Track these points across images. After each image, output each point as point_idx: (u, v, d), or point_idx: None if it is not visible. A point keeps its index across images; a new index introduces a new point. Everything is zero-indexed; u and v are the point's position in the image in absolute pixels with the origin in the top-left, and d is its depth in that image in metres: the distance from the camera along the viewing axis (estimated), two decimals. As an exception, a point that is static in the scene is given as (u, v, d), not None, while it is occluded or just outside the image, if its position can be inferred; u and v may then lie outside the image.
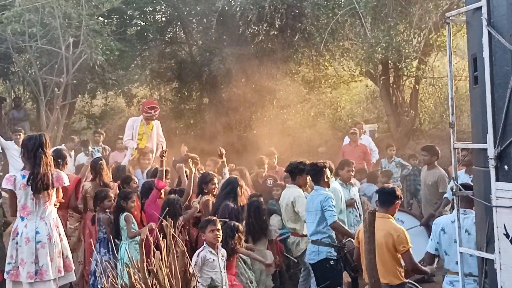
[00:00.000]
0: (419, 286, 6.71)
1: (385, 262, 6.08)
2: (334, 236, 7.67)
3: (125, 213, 7.85)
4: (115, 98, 20.71)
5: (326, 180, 7.83)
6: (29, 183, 6.52)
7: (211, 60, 17.31)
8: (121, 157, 11.86)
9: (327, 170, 7.87)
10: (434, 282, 9.24)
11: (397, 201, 6.56)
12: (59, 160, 8.03)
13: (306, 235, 8.23)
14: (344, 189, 9.00)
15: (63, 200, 7.31)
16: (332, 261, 7.45)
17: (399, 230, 6.28)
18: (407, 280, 6.47)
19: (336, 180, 9.01)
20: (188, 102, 19.81)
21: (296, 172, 8.49)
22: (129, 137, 11.03)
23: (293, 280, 9.08)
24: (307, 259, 7.81)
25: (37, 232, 6.57)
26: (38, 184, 6.51)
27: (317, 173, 7.84)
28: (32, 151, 6.58)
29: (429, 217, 9.49)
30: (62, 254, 6.73)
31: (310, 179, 8.50)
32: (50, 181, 6.56)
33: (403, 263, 6.33)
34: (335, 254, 7.50)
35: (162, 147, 10.87)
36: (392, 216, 6.53)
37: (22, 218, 6.65)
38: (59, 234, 6.74)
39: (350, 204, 9.08)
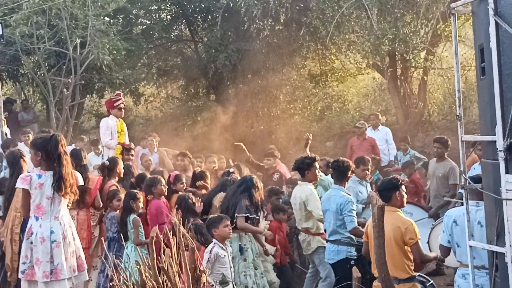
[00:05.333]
0: (429, 279, 6.66)
1: (393, 256, 6.02)
2: (354, 236, 7.59)
3: (134, 216, 7.84)
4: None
5: (347, 181, 7.78)
6: (54, 184, 6.51)
7: (217, 56, 17.28)
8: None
9: (350, 171, 7.83)
10: (446, 274, 9.19)
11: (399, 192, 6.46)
12: (77, 160, 8.05)
13: (318, 234, 8.20)
14: (362, 186, 8.78)
15: (76, 199, 7.27)
16: (352, 261, 7.36)
17: (407, 222, 6.22)
18: (416, 274, 6.43)
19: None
20: (195, 100, 19.79)
21: (304, 167, 8.39)
22: (109, 136, 10.99)
23: (301, 278, 9.02)
24: (326, 259, 7.73)
25: (52, 232, 6.56)
26: (64, 184, 6.52)
27: (340, 172, 7.76)
28: (56, 151, 6.54)
29: (438, 208, 9.46)
30: (76, 254, 6.74)
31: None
32: (75, 180, 6.65)
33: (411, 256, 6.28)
34: (355, 254, 7.41)
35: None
36: (399, 208, 6.44)
37: (37, 218, 6.62)
38: (72, 234, 6.75)
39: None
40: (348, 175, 7.81)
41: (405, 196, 6.57)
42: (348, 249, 7.45)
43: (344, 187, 7.78)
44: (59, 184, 6.51)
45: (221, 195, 8.23)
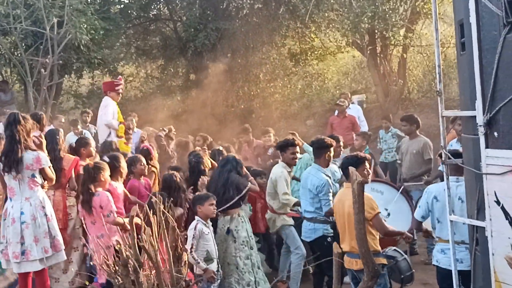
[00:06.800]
0: (403, 253, 6.64)
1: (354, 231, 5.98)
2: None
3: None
4: (102, 77, 20.50)
5: (327, 158, 7.72)
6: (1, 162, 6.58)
7: (196, 36, 17.21)
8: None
9: (331, 150, 7.78)
10: (418, 254, 9.30)
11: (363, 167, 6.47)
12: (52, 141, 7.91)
13: (282, 213, 8.25)
14: (335, 165, 8.78)
15: (52, 182, 7.19)
16: (329, 238, 7.37)
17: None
18: (388, 248, 6.46)
19: None
20: (175, 79, 19.72)
21: (280, 149, 8.45)
22: (111, 116, 10.89)
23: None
24: (303, 237, 7.77)
25: (22, 213, 6.59)
26: (7, 162, 6.51)
27: (320, 150, 7.73)
28: (6, 130, 6.61)
29: (410, 179, 9.53)
30: (50, 234, 6.71)
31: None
32: (20, 159, 6.50)
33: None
34: (332, 231, 7.43)
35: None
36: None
37: (10, 199, 6.70)
38: (45, 215, 6.71)
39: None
40: (327, 152, 7.72)
41: (367, 173, 6.55)
42: (325, 226, 7.47)
43: (325, 166, 7.73)
44: (3, 162, 6.55)
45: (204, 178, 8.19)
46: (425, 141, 9.70)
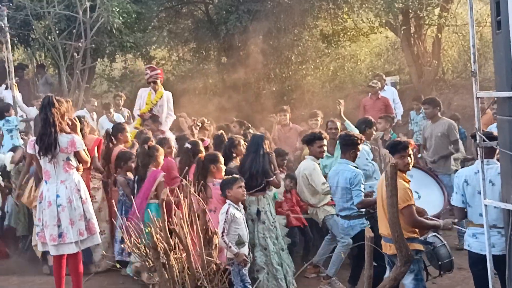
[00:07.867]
0: (443, 240, 6.42)
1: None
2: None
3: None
4: (134, 60, 20.70)
5: (352, 155, 7.57)
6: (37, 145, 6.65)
7: (228, 18, 17.10)
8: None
9: (358, 148, 7.65)
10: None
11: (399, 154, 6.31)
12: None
13: (323, 205, 8.25)
14: (367, 146, 8.71)
15: (87, 165, 7.30)
16: None
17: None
18: (424, 236, 6.31)
19: None
20: (207, 62, 19.68)
21: (307, 143, 8.40)
22: (137, 107, 11.13)
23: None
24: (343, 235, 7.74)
25: (57, 196, 6.68)
26: (42, 145, 6.59)
27: (347, 147, 7.59)
28: (40, 113, 6.75)
29: (439, 158, 9.47)
30: (85, 217, 6.80)
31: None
32: (54, 142, 6.57)
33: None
34: (368, 222, 7.36)
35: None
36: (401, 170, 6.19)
37: (46, 182, 6.80)
38: (81, 197, 6.80)
39: None
40: (354, 150, 7.57)
41: (406, 161, 6.30)
42: (360, 221, 7.42)
43: (353, 161, 7.62)
44: (38, 146, 6.62)
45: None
46: (449, 122, 9.63)
